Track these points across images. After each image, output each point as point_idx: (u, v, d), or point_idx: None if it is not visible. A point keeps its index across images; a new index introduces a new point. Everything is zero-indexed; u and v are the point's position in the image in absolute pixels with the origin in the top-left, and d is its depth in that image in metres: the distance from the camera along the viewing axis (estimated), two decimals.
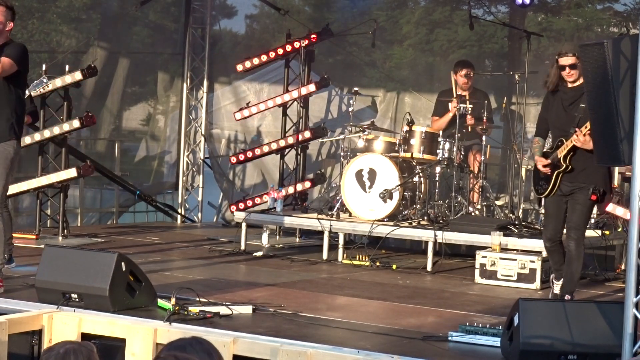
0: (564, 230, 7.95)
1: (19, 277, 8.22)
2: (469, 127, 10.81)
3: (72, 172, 10.97)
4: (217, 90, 14.06)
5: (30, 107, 8.71)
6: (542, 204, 9.36)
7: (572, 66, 7.80)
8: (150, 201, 13.46)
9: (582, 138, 7.58)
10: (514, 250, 9.39)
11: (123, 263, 7.24)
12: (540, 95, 9.86)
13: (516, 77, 11.05)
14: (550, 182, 7.86)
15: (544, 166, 7.89)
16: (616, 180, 10.42)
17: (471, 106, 10.95)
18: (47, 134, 10.91)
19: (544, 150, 8.04)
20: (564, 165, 7.78)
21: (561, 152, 7.78)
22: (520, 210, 10.62)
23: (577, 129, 7.63)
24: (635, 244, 5.58)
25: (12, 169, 7.99)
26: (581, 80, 7.68)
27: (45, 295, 7.31)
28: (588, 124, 7.34)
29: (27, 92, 8.51)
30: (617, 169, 10.31)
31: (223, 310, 7.21)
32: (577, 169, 7.77)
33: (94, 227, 12.68)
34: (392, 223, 10.29)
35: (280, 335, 6.63)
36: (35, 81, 8.64)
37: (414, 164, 10.62)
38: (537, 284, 9.07)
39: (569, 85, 7.89)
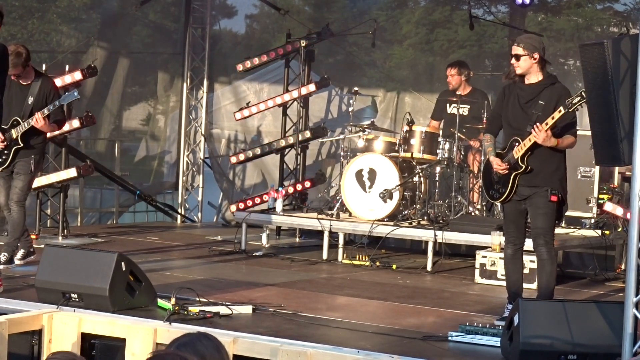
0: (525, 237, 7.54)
1: (19, 277, 8.22)
2: (475, 145, 10.79)
3: (72, 172, 10.97)
4: (217, 90, 14.07)
5: (59, 116, 8.79)
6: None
7: (517, 57, 7.29)
8: (150, 201, 13.46)
9: (543, 134, 7.08)
10: None
11: (123, 263, 7.24)
12: None
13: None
14: (508, 186, 7.28)
15: (499, 165, 7.30)
16: (616, 180, 10.43)
17: (468, 106, 10.94)
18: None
19: (497, 151, 7.47)
20: (523, 167, 7.23)
21: (518, 153, 7.24)
22: None
23: (536, 125, 7.09)
24: (635, 244, 5.58)
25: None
26: (539, 77, 7.31)
27: (45, 295, 7.31)
28: (549, 120, 7.07)
29: (57, 102, 8.59)
30: (617, 169, 10.31)
31: (223, 310, 7.20)
32: (535, 170, 7.24)
33: (94, 227, 12.68)
34: (392, 223, 10.29)
35: (280, 335, 6.63)
36: (67, 93, 8.71)
37: (414, 163, 10.61)
38: (537, 284, 9.04)
39: (526, 81, 7.34)
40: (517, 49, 7.31)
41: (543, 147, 7.21)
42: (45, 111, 8.57)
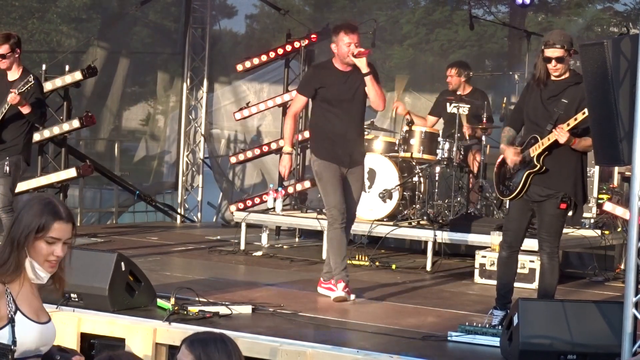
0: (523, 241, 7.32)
1: None
2: (466, 134, 10.75)
3: (71, 172, 10.97)
4: (217, 90, 14.06)
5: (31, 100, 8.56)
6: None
7: (559, 59, 6.85)
8: (150, 201, 13.46)
9: (564, 135, 6.76)
10: None
11: (123, 263, 7.23)
12: None
13: (516, 77, 11.07)
14: (519, 184, 6.95)
15: (515, 155, 6.98)
16: (616, 180, 10.43)
17: (468, 106, 10.93)
18: (47, 133, 10.92)
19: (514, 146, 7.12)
20: (538, 166, 6.90)
21: (535, 151, 6.92)
22: None
23: (559, 127, 6.78)
24: (635, 244, 5.58)
25: None
26: (567, 75, 6.93)
27: (45, 294, 7.28)
28: (571, 121, 6.78)
29: (21, 86, 8.44)
30: (616, 169, 10.31)
31: (222, 310, 7.20)
32: (550, 170, 6.92)
33: (93, 227, 12.67)
34: (391, 223, 10.29)
35: (279, 335, 6.63)
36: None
37: (414, 163, 10.61)
38: (536, 284, 9.04)
39: (552, 77, 6.94)
40: (557, 51, 6.85)
41: (561, 149, 6.88)
42: (17, 91, 8.25)
